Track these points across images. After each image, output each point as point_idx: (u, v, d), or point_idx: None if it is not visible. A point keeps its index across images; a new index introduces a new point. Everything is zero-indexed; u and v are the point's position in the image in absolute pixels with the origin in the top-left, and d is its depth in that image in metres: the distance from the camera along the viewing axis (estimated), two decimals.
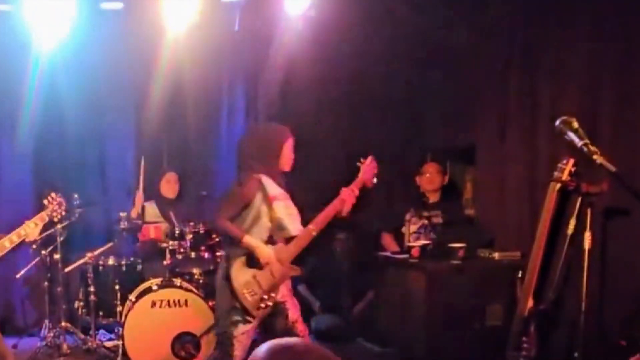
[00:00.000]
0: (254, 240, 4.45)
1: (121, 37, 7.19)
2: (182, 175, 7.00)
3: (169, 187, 6.79)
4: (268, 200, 4.48)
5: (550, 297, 4.00)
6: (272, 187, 4.52)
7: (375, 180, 4.84)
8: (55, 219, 5.04)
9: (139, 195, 6.86)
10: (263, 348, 1.69)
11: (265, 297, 4.41)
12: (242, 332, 4.46)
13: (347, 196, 4.65)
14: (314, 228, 4.53)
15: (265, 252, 4.43)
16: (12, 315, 7.28)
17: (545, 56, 5.68)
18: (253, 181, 4.49)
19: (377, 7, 6.84)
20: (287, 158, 4.62)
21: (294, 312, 4.65)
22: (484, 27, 6.44)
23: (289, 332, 4.56)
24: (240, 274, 4.44)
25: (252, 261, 4.45)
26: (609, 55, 5.08)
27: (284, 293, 4.60)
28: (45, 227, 6.21)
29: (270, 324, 4.65)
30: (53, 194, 5.04)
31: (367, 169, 4.80)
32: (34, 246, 6.25)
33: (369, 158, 4.83)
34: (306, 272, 7.13)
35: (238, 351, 4.46)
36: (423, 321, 5.49)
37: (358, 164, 4.82)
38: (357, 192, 4.70)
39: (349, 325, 7.01)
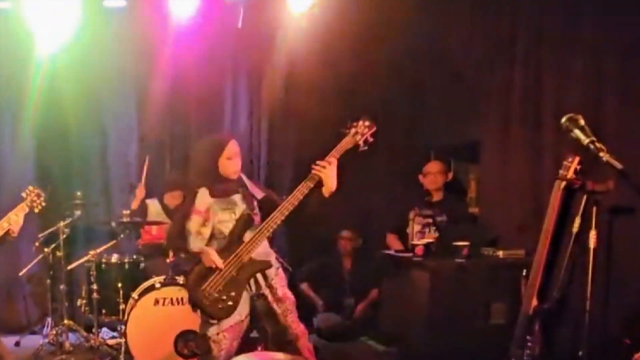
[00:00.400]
0: (198, 246, 4.51)
1: (124, 34, 7.18)
2: (184, 181, 6.95)
3: (172, 201, 6.77)
4: (189, 211, 4.54)
5: (554, 296, 3.98)
6: (202, 200, 4.52)
7: (370, 139, 4.53)
8: (36, 210, 5.08)
9: (141, 188, 6.84)
10: None
11: (224, 297, 4.40)
12: (216, 332, 4.45)
13: (323, 166, 4.40)
14: (280, 212, 4.40)
15: (209, 256, 4.42)
16: (14, 313, 7.27)
17: (549, 53, 5.65)
18: (188, 196, 4.63)
19: (379, 5, 6.83)
20: (225, 169, 4.54)
21: (290, 312, 4.62)
22: (487, 24, 6.43)
23: (284, 332, 4.57)
24: (196, 281, 4.45)
25: (203, 266, 4.45)
26: (613, 53, 5.05)
27: (279, 294, 4.59)
28: (48, 225, 6.26)
29: (263, 325, 4.70)
30: (30, 187, 5.08)
31: (358, 131, 4.52)
32: (37, 243, 6.25)
33: (363, 118, 4.57)
34: (309, 271, 7.17)
35: (217, 351, 4.46)
36: (426, 320, 5.47)
37: (345, 130, 4.55)
38: (334, 163, 4.43)
39: (351, 324, 7.01)
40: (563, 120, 3.61)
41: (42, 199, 5.08)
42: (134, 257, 6.31)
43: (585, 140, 3.46)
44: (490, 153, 6.42)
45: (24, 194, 5.04)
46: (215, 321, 4.43)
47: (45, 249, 6.23)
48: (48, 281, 6.41)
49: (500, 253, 5.57)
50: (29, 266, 6.64)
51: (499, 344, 4.16)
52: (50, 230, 6.19)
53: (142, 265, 6.23)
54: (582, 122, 3.53)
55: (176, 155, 7.64)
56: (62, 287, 6.21)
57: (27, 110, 7.14)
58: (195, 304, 4.48)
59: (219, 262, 4.38)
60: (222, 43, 7.52)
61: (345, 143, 4.50)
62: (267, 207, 4.56)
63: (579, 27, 5.34)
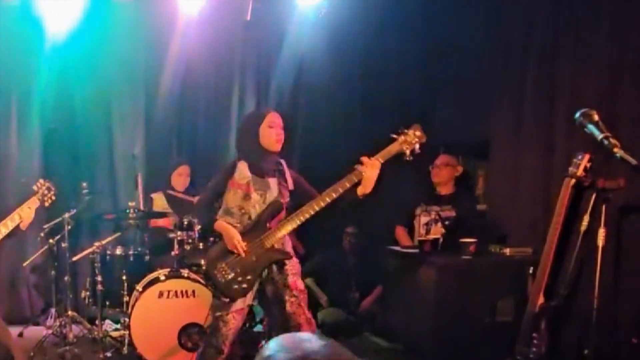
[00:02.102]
0: (223, 224, 4.52)
1: (132, 26, 7.19)
2: (192, 172, 6.96)
3: (180, 179, 6.76)
4: (229, 185, 4.55)
5: (562, 294, 3.97)
6: (242, 174, 4.52)
7: (417, 149, 4.39)
8: (47, 203, 5.07)
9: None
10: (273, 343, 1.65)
11: (239, 279, 4.45)
12: (226, 312, 4.48)
13: (369, 165, 4.30)
14: (312, 207, 4.36)
15: (231, 238, 4.45)
16: (18, 304, 7.27)
17: (564, 49, 5.61)
18: (226, 167, 4.66)
19: (388, 1, 6.81)
20: (267, 138, 4.53)
21: (297, 301, 4.59)
22: (502, 19, 6.39)
23: (289, 319, 4.55)
24: (215, 257, 4.53)
25: (225, 244, 4.50)
26: (629, 49, 5.00)
27: (289, 281, 4.56)
28: (53, 216, 6.25)
29: (271, 310, 4.70)
30: (41, 180, 5.07)
31: (407, 139, 4.37)
32: (42, 234, 6.24)
33: (415, 126, 4.40)
34: (314, 266, 7.14)
35: (225, 330, 4.50)
36: (432, 316, 5.45)
37: (393, 135, 4.39)
38: (377, 163, 4.32)
39: (356, 320, 6.99)
40: (577, 115, 3.59)
41: (52, 192, 5.08)
42: (139, 249, 6.30)
43: (599, 135, 3.44)
44: (500, 150, 6.39)
45: (35, 187, 5.03)
46: (227, 300, 4.46)
47: (50, 240, 6.21)
48: (52, 272, 6.38)
49: (508, 250, 5.55)
50: (34, 257, 6.64)
51: (505, 341, 4.15)
52: (55, 221, 6.17)
53: (146, 257, 6.22)
54: (596, 117, 3.51)
55: (183, 149, 7.63)
56: (66, 278, 6.19)
57: (34, 102, 7.15)
58: (209, 278, 4.54)
59: (241, 248, 4.41)
60: (231, 36, 7.51)
61: (392, 148, 4.37)
62: (298, 198, 4.56)
63: (595, 23, 5.30)
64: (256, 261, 4.46)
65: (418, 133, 4.37)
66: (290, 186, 4.59)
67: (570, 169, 3.78)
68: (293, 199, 4.59)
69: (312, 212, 4.37)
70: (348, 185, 4.31)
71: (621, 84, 5.03)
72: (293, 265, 4.62)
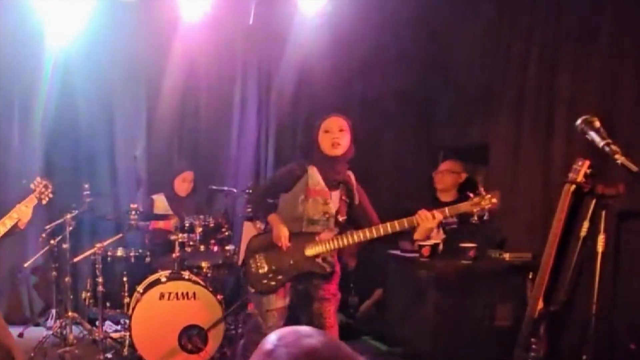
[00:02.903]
0: (278, 219, 4.58)
1: (135, 29, 7.21)
2: (195, 172, 6.97)
3: (183, 185, 6.75)
4: (306, 192, 4.55)
5: (561, 299, 3.97)
6: (315, 180, 4.54)
7: (487, 216, 4.26)
8: (44, 201, 5.11)
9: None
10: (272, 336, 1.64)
11: (270, 275, 4.53)
12: (266, 309, 4.57)
13: (424, 219, 4.28)
14: (357, 234, 4.39)
15: (279, 233, 4.51)
16: (19, 304, 7.28)
17: (564, 55, 5.63)
18: (295, 168, 4.64)
19: (390, 5, 6.82)
20: (324, 143, 4.52)
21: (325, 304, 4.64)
22: (502, 25, 6.41)
23: (311, 321, 4.61)
24: (256, 247, 4.64)
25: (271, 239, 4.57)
26: (629, 55, 5.03)
27: (324, 292, 4.62)
28: (55, 217, 6.27)
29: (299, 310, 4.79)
30: (38, 178, 5.10)
31: (481, 203, 4.24)
32: (43, 235, 6.25)
33: (494, 193, 4.28)
34: None
35: (265, 328, 4.56)
36: (431, 321, 5.46)
37: (470, 194, 4.29)
38: (438, 218, 4.29)
39: (355, 323, 7.00)
40: (578, 122, 3.60)
41: (49, 190, 5.11)
42: (140, 251, 6.31)
43: (600, 142, 3.45)
44: (500, 155, 6.40)
45: (32, 185, 5.06)
46: (252, 290, 4.60)
47: (51, 241, 6.22)
48: (53, 273, 6.39)
49: (507, 255, 5.56)
50: (35, 258, 6.65)
51: (504, 346, 4.16)
52: (56, 222, 6.18)
53: (147, 259, 6.23)
54: (597, 123, 3.53)
55: (184, 152, 7.65)
56: (67, 279, 6.20)
57: (37, 103, 7.16)
58: (244, 265, 4.66)
59: (285, 243, 4.47)
60: (233, 39, 7.53)
61: (461, 207, 4.29)
62: (355, 214, 4.61)
63: (595, 29, 5.32)
64: (292, 264, 4.52)
65: (494, 200, 4.24)
66: (356, 201, 4.61)
67: (570, 174, 3.79)
68: (350, 213, 4.62)
69: (358, 240, 4.40)
70: (399, 229, 4.31)
71: (619, 91, 5.06)
72: (334, 274, 4.69)
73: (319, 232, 4.53)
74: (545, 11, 5.88)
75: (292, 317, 4.86)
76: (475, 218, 4.26)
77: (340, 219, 4.53)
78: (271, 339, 1.62)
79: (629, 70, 5.03)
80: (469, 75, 6.83)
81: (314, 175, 4.54)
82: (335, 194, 4.57)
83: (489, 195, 4.23)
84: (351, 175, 4.64)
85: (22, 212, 4.83)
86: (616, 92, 5.09)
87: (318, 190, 4.53)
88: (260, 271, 4.55)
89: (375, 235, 4.33)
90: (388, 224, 4.32)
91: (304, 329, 1.67)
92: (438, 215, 4.24)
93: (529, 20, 6.06)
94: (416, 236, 4.34)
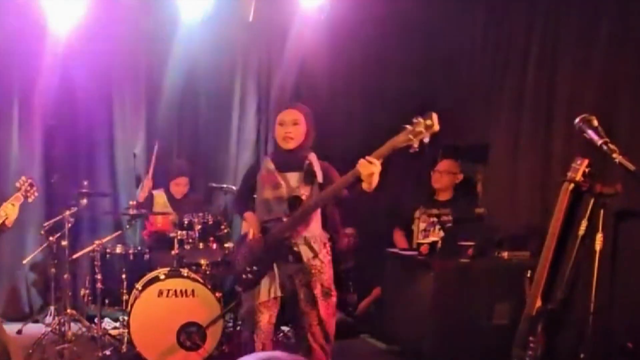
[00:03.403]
0: (250, 214, 4.66)
1: (135, 26, 7.20)
2: (192, 171, 6.97)
3: (177, 189, 6.76)
4: (260, 181, 4.59)
5: (559, 298, 3.98)
6: (267, 169, 4.57)
7: (426, 141, 3.87)
8: (30, 199, 5.14)
9: (148, 179, 6.85)
10: None
11: (248, 269, 4.54)
12: (252, 305, 4.58)
13: (362, 166, 4.02)
14: (305, 204, 4.39)
15: (248, 226, 4.63)
16: (17, 301, 7.28)
17: (564, 54, 5.64)
18: (254, 164, 4.83)
19: (391, 3, 6.82)
20: (278, 136, 4.55)
21: (313, 301, 4.55)
22: (502, 24, 6.41)
23: (301, 318, 4.59)
24: (239, 245, 4.77)
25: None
26: (629, 54, 5.03)
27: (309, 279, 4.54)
28: (54, 213, 6.28)
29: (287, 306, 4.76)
30: (24, 177, 5.16)
31: (415, 129, 3.87)
32: (42, 232, 6.26)
33: (428, 114, 3.90)
34: None
35: (254, 319, 4.58)
36: (429, 319, 5.47)
37: (407, 126, 3.91)
38: (376, 163, 4.00)
39: (353, 321, 7.00)
40: (577, 120, 3.61)
41: (34, 188, 5.15)
42: (139, 248, 6.31)
43: (598, 141, 3.46)
44: (499, 154, 6.41)
45: (17, 184, 5.10)
46: (240, 289, 4.69)
47: (50, 238, 6.23)
48: (52, 270, 6.40)
49: (506, 254, 5.57)
50: (33, 254, 6.66)
51: (502, 344, 4.16)
52: (55, 219, 6.19)
53: (146, 256, 6.23)
54: (595, 122, 3.54)
55: (184, 149, 7.65)
56: (65, 276, 6.20)
57: (36, 98, 7.15)
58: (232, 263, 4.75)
59: (251, 231, 4.52)
60: (233, 37, 7.52)
61: (396, 141, 3.95)
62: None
63: (595, 28, 5.33)
64: (265, 254, 4.50)
65: (429, 122, 3.86)
66: (320, 179, 4.50)
67: (569, 173, 3.79)
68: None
69: (315, 209, 4.42)
70: (346, 183, 4.18)
71: (618, 91, 5.07)
72: (321, 266, 4.57)
73: (281, 217, 4.48)
74: (545, 10, 5.88)
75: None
76: (416, 147, 3.87)
77: (302, 196, 4.43)
78: None
79: (628, 70, 5.03)
80: (469, 74, 6.83)
81: (267, 165, 4.58)
82: (293, 175, 4.53)
83: (422, 119, 3.87)
84: (312, 157, 4.57)
85: (9, 210, 4.86)
86: (615, 92, 5.10)
87: (268, 176, 4.54)
88: (242, 265, 4.56)
89: (322, 199, 4.35)
90: (334, 184, 4.28)
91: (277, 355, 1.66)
92: (374, 160, 3.99)
93: (528, 19, 6.07)
94: (364, 186, 4.13)
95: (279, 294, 4.56)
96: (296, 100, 7.58)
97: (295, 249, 4.49)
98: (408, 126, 3.90)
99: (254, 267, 4.52)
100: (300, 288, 4.54)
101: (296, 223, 4.43)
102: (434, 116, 3.88)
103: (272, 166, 4.56)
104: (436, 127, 3.86)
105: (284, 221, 4.45)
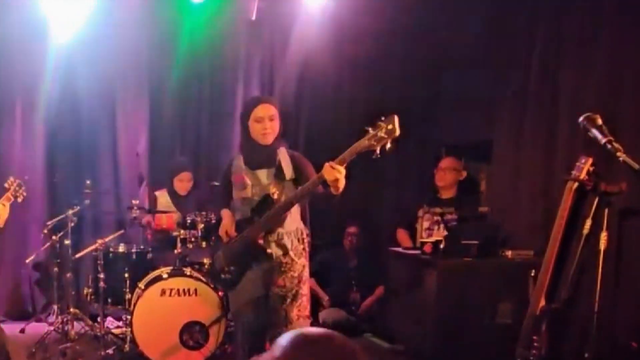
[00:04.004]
0: (226, 212, 4.64)
1: (137, 25, 7.20)
2: (195, 170, 6.94)
3: (181, 185, 6.72)
4: (233, 181, 4.57)
5: (563, 297, 3.97)
6: (237, 167, 4.54)
7: (388, 145, 3.82)
8: (19, 199, 5.27)
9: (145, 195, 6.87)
10: (284, 339, 1.65)
11: (226, 269, 4.55)
12: (235, 307, 4.61)
13: (326, 171, 3.94)
14: (281, 204, 4.32)
15: (222, 222, 4.61)
16: (20, 300, 7.29)
17: (567, 53, 5.62)
18: (228, 163, 4.71)
19: (394, 2, 6.81)
20: (255, 133, 4.43)
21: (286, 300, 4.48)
22: (505, 23, 6.40)
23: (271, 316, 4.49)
24: (217, 247, 4.76)
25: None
26: (632, 53, 5.01)
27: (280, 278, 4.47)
28: (57, 212, 6.28)
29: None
30: (12, 178, 5.25)
31: (378, 134, 3.82)
32: (45, 231, 6.26)
33: (389, 119, 3.82)
34: (315, 266, 7.15)
35: (238, 324, 4.63)
36: (433, 318, 5.45)
37: (369, 128, 3.86)
38: (339, 169, 3.92)
39: (357, 320, 7.00)
40: (581, 119, 3.60)
41: (23, 188, 5.25)
42: (142, 247, 6.31)
43: (602, 139, 3.45)
44: (503, 152, 6.40)
45: (6, 185, 5.15)
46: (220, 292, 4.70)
47: (53, 237, 6.24)
48: (55, 269, 6.41)
49: (509, 253, 5.55)
50: (36, 253, 6.66)
51: (506, 343, 4.15)
52: (58, 218, 6.19)
53: (149, 255, 6.23)
54: (599, 121, 3.52)
55: (186, 148, 7.64)
56: (68, 275, 6.22)
57: (39, 99, 7.17)
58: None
59: (225, 231, 4.52)
60: (236, 35, 7.52)
61: (359, 145, 3.91)
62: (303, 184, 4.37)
63: (598, 26, 5.31)
64: (240, 253, 4.46)
65: (390, 127, 3.79)
66: (289, 176, 4.43)
67: (573, 172, 3.78)
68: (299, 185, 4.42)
69: (285, 210, 4.34)
70: (314, 186, 4.12)
71: (622, 89, 5.05)
72: (291, 264, 4.48)
73: (247, 218, 4.46)
74: (547, 9, 5.87)
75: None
76: (377, 153, 3.84)
77: (274, 194, 4.37)
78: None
79: (631, 68, 5.01)
80: (473, 72, 6.82)
81: (237, 163, 4.55)
82: (263, 172, 4.47)
83: (384, 124, 3.80)
84: (281, 152, 4.50)
85: (0, 211, 4.90)
86: (619, 90, 5.08)
87: (235, 175, 4.53)
88: (220, 266, 4.57)
89: (292, 200, 4.28)
90: (301, 187, 4.23)
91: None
92: (337, 166, 3.92)
93: (531, 18, 6.05)
94: (332, 190, 4.07)
95: (259, 293, 4.49)
96: (299, 98, 7.61)
97: (268, 248, 4.43)
98: (370, 129, 3.85)
99: (231, 267, 4.51)
100: (270, 287, 4.46)
101: (269, 223, 4.38)
102: (396, 120, 3.80)
103: (242, 164, 4.52)
104: (397, 132, 3.79)
105: (257, 222, 4.40)
